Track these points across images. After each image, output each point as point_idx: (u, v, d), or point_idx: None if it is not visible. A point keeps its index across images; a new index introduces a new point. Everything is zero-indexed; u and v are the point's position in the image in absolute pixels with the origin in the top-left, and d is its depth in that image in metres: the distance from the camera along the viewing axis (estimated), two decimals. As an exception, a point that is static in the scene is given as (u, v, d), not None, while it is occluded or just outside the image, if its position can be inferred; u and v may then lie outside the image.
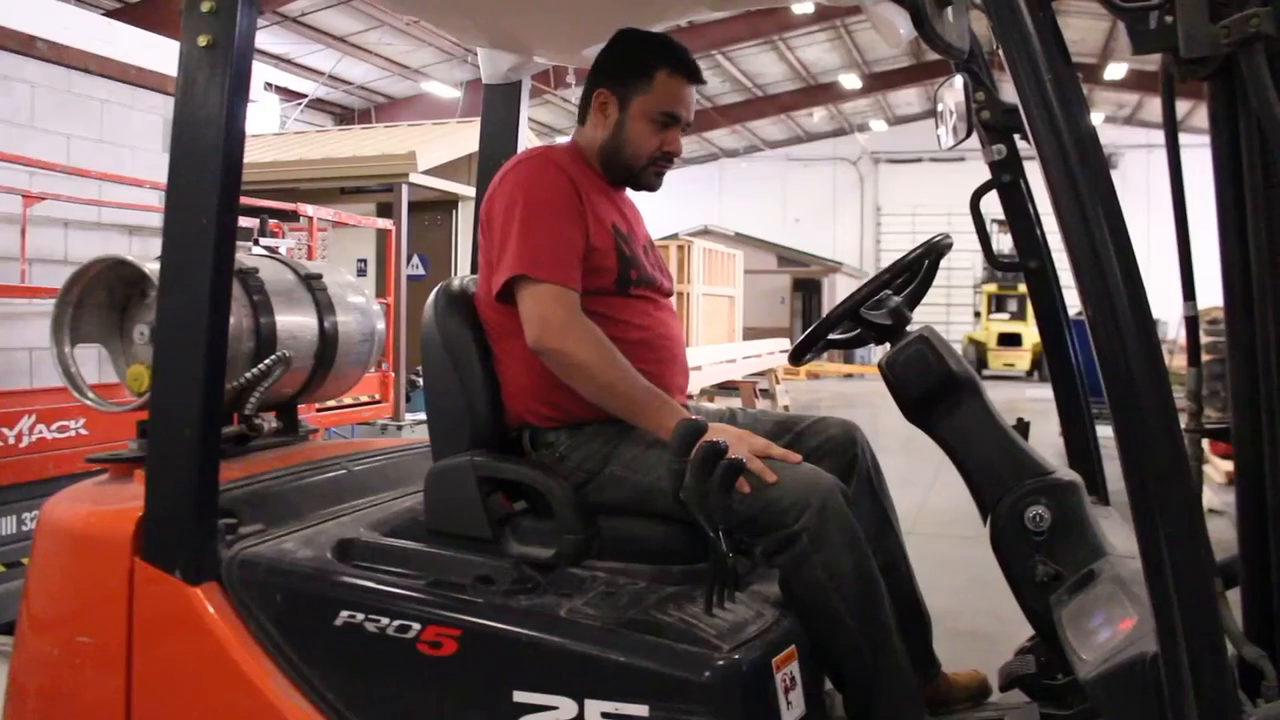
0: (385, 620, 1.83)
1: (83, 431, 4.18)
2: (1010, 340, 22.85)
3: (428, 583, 1.91)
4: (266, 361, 2.34)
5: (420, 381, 8.99)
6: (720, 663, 1.69)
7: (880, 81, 23.73)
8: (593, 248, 2.11)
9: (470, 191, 9.57)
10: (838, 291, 26.15)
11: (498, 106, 2.86)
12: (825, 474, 1.98)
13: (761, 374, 13.69)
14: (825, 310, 30.02)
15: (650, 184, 2.27)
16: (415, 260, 10.14)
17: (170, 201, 1.99)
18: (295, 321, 2.49)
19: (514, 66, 2.82)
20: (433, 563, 1.97)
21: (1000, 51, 1.58)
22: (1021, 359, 22.55)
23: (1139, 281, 1.50)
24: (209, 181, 1.93)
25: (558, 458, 2.10)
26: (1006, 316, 23.50)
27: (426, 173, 9.05)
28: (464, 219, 9.74)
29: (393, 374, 8.24)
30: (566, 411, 2.10)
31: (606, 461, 2.06)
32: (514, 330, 2.09)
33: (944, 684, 2.23)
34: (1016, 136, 2.40)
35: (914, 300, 2.31)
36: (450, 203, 9.73)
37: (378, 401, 7.97)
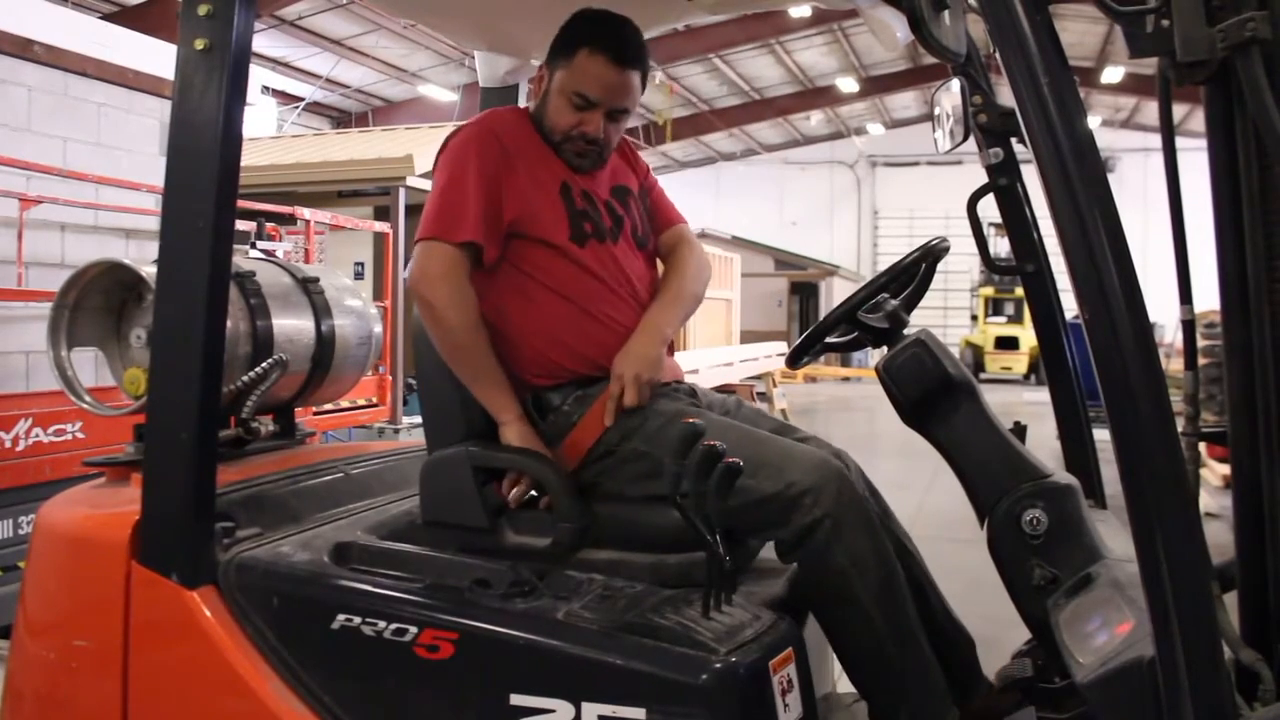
0: (382, 623, 1.83)
1: (79, 435, 4.19)
2: (1007, 344, 22.88)
3: (424, 586, 1.91)
4: (263, 365, 2.34)
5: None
6: (717, 665, 1.69)
7: (877, 85, 23.75)
8: (534, 207, 2.12)
9: (468, 194, 9.56)
10: (835, 295, 26.14)
11: None
12: (832, 458, 1.98)
13: (759, 377, 13.68)
14: (823, 313, 29.94)
15: (571, 162, 2.20)
16: (413, 263, 10.11)
17: (167, 205, 1.99)
18: (292, 325, 2.49)
19: (511, 70, 2.82)
20: (430, 566, 1.97)
21: (997, 55, 1.58)
22: (1019, 362, 22.58)
23: (1136, 285, 1.50)
24: (206, 184, 1.93)
25: (567, 426, 2.09)
26: (1003, 320, 23.52)
27: (424, 176, 9.05)
28: (461, 222, 9.74)
29: (390, 377, 8.23)
30: (568, 367, 2.11)
31: (628, 436, 2.04)
32: (487, 294, 2.12)
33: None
34: (1013, 140, 2.41)
35: (911, 304, 2.31)
36: (448, 206, 9.73)
37: (375, 405, 7.97)
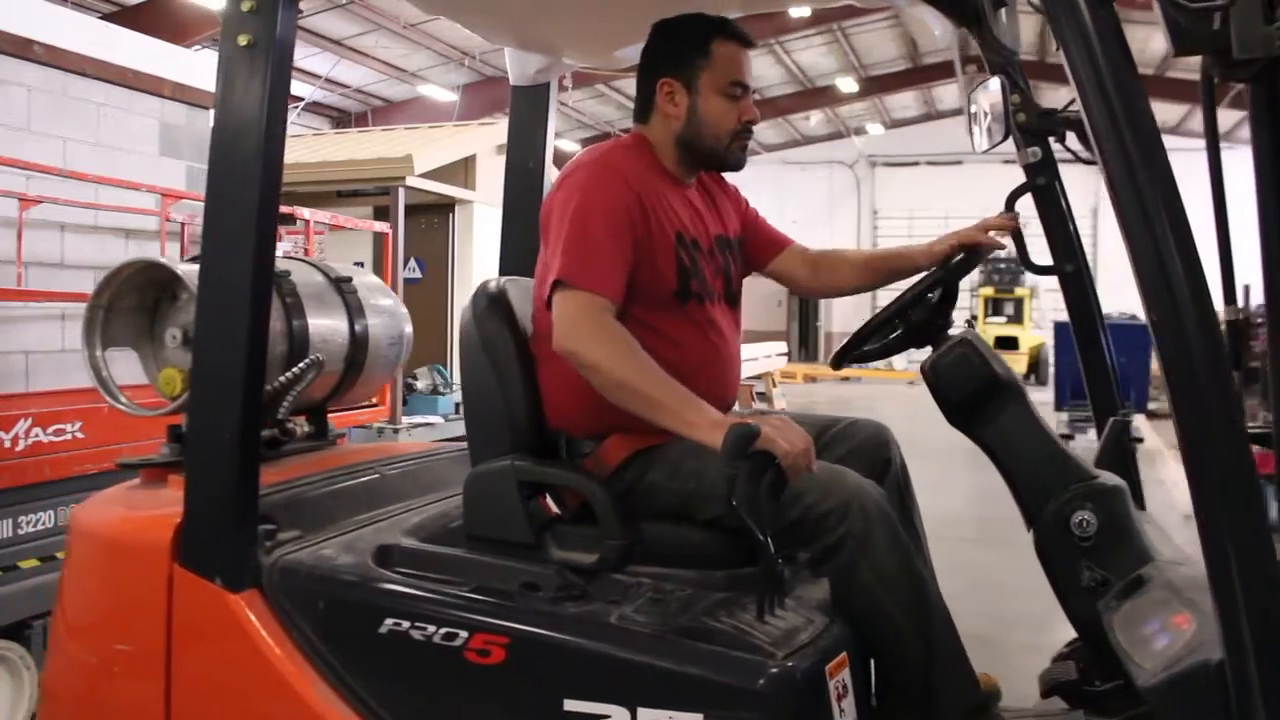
0: (431, 628, 1.80)
1: (79, 435, 4.14)
2: (1007, 344, 22.83)
3: (472, 589, 1.89)
4: (300, 365, 2.32)
5: (418, 385, 8.88)
6: (774, 670, 1.67)
7: (877, 85, 23.69)
8: (649, 260, 2.06)
9: (468, 195, 9.53)
10: (834, 295, 26.08)
11: (525, 109, 2.84)
12: (861, 477, 1.97)
13: (758, 377, 13.67)
14: (822, 314, 29.42)
15: (737, 161, 2.20)
16: (412, 263, 10.11)
17: (210, 203, 1.96)
18: (326, 325, 2.47)
19: (542, 68, 2.80)
20: (475, 569, 1.94)
21: (1060, 53, 1.57)
22: (1018, 362, 22.53)
23: (1204, 285, 1.49)
24: (249, 184, 1.91)
25: (595, 465, 2.07)
26: (1003, 320, 23.52)
27: (423, 176, 9.02)
28: (461, 222, 9.71)
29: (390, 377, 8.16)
30: (605, 423, 2.06)
31: (645, 470, 2.03)
32: (549, 346, 2.05)
33: None
34: (1051, 139, 2.39)
35: (949, 305, 2.29)
36: (447, 206, 9.69)
37: (374, 405, 7.90)
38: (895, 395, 17.11)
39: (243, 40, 1.91)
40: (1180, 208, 1.49)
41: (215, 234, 1.95)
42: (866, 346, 2.30)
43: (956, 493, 7.81)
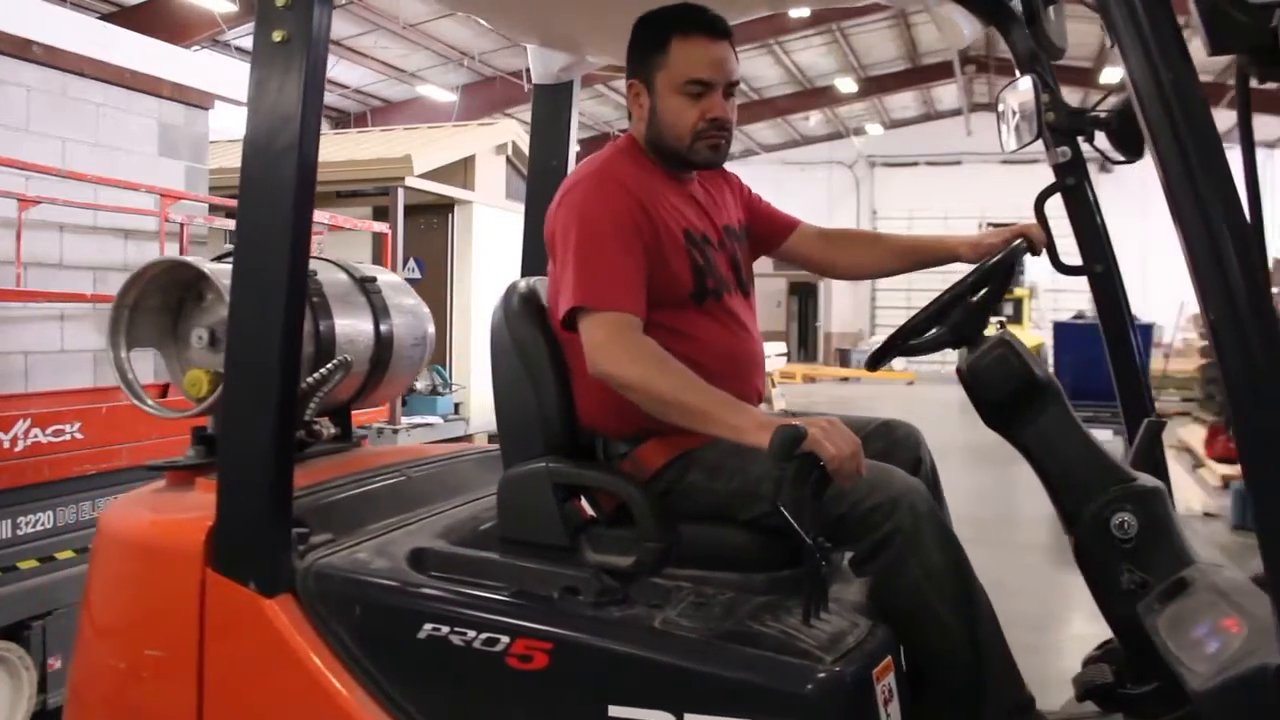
0: (471, 633, 1.78)
1: (78, 435, 4.13)
2: (1006, 344, 22.86)
3: (512, 594, 1.86)
4: (328, 366, 2.29)
5: (417, 385, 8.82)
6: (822, 675, 1.65)
7: (876, 85, 23.67)
8: (662, 264, 2.03)
9: (467, 195, 9.51)
10: (834, 295, 26.10)
11: (547, 107, 2.82)
12: (907, 475, 1.96)
13: (760, 377, 13.63)
14: (821, 313, 29.39)
15: (706, 159, 2.12)
16: (411, 264, 10.10)
17: (244, 203, 1.93)
18: (351, 325, 2.44)
19: (566, 66, 2.78)
20: (511, 573, 1.91)
21: (1114, 48, 1.55)
22: (1017, 362, 22.53)
23: (1263, 282, 1.47)
24: (284, 183, 1.88)
25: (619, 458, 2.05)
26: (1003, 320, 23.54)
27: (423, 176, 9.00)
28: (460, 223, 9.70)
29: (389, 377, 8.11)
30: (641, 426, 2.03)
31: (685, 472, 2.01)
32: (580, 350, 2.04)
33: None
34: (1080, 139, 2.37)
35: (990, 305, 2.27)
36: (447, 206, 9.68)
37: (374, 405, 7.84)
38: (894, 395, 17.13)
39: (277, 36, 1.88)
40: (1238, 206, 1.47)
41: (249, 233, 1.92)
42: (911, 342, 2.27)
43: (954, 493, 7.81)
